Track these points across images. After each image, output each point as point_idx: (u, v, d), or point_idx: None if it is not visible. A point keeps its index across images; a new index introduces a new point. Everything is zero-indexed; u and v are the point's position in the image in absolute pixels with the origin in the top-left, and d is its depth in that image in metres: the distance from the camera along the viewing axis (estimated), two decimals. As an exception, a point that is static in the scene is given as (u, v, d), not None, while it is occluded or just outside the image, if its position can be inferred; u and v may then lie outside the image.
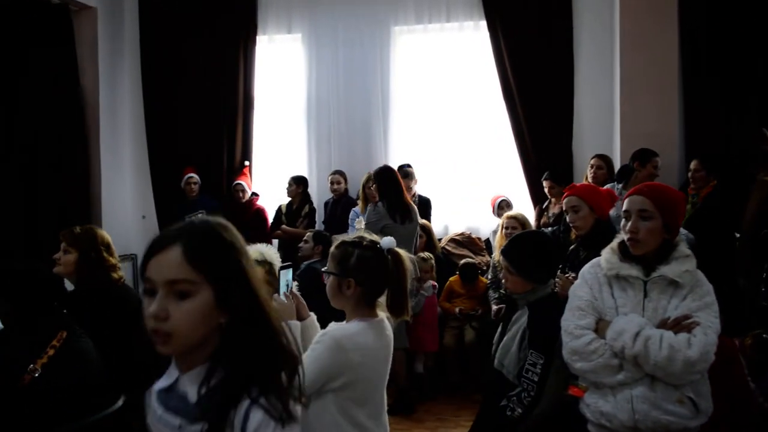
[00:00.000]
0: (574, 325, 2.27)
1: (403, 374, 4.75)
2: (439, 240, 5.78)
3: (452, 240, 5.90)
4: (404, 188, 5.08)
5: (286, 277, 2.24)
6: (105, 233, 3.24)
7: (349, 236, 2.17)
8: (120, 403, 2.48)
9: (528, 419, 2.40)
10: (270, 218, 6.33)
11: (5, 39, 5.15)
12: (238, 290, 1.26)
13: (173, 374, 1.33)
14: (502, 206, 5.74)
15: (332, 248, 2.15)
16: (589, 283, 2.33)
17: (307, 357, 1.97)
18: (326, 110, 6.55)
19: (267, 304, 1.29)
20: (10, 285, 2.49)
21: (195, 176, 6.31)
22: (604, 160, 5.32)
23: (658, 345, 2.09)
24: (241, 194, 6.26)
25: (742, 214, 4.37)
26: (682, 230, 2.94)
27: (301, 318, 2.22)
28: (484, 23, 6.09)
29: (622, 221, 2.31)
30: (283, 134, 6.79)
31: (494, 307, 4.94)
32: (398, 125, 6.48)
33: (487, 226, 6.00)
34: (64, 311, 2.58)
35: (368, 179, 5.29)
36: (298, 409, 1.25)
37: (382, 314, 2.11)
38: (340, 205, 5.99)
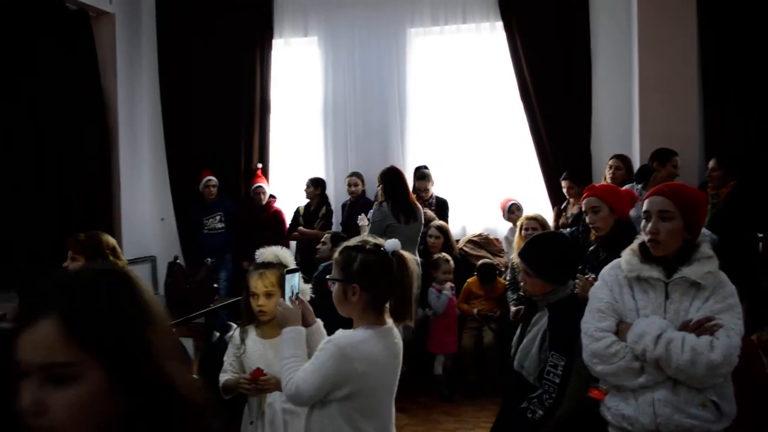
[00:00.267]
0: (594, 327, 2.24)
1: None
2: (457, 241, 5.76)
3: (470, 241, 5.88)
4: (409, 189, 5.11)
5: (291, 282, 2.20)
6: (110, 237, 3.28)
7: (353, 240, 2.10)
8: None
9: (549, 421, 2.37)
10: (288, 220, 6.34)
11: (25, 45, 5.22)
12: (138, 368, 0.98)
13: None
14: (512, 210, 5.71)
15: (335, 254, 2.09)
16: (609, 284, 2.30)
17: (310, 365, 1.94)
18: (343, 112, 6.56)
19: (177, 380, 1.02)
20: (26, 287, 2.53)
21: (213, 179, 6.34)
22: (622, 161, 5.28)
23: (680, 348, 2.05)
24: (260, 196, 6.28)
25: (765, 213, 4.31)
26: (705, 231, 2.91)
27: (306, 324, 2.18)
28: (500, 24, 6.08)
29: (642, 222, 2.28)
30: (301, 137, 6.81)
31: (513, 309, 4.91)
32: (415, 127, 6.48)
33: (504, 227, 5.97)
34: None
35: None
36: None
37: (391, 321, 2.04)
38: (357, 207, 5.99)
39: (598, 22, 5.88)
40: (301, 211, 6.26)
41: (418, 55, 6.48)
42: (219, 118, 6.61)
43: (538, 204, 5.87)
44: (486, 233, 6.01)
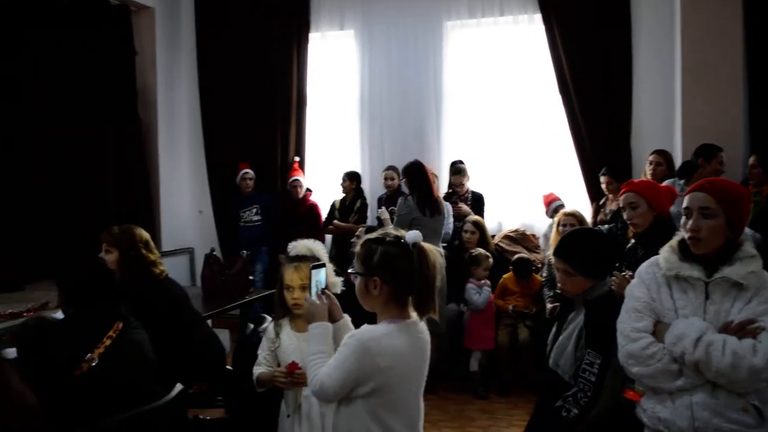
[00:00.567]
0: (630, 327, 2.19)
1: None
2: (493, 236, 5.71)
3: (506, 237, 5.83)
4: (432, 183, 5.13)
5: (318, 277, 2.18)
6: (143, 231, 3.32)
7: (374, 233, 2.06)
8: (174, 393, 2.53)
9: (584, 420, 2.33)
10: (323, 214, 6.37)
11: (67, 39, 5.31)
12: None
13: None
14: (557, 210, 5.61)
15: (357, 247, 2.06)
16: (647, 283, 2.24)
17: (333, 360, 1.92)
18: (379, 106, 6.56)
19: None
20: (71, 277, 2.58)
21: (250, 172, 6.39)
22: (663, 156, 5.16)
23: (721, 351, 1.99)
24: (297, 190, 6.31)
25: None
26: (747, 229, 2.81)
27: (333, 320, 2.15)
28: (538, 16, 5.99)
29: (683, 219, 2.21)
30: (337, 130, 6.82)
31: (549, 306, 4.85)
32: (451, 121, 6.43)
33: (541, 222, 5.90)
34: (121, 304, 2.65)
35: None
36: None
37: (416, 315, 2.00)
38: (393, 201, 5.98)
39: (639, 13, 5.75)
40: (337, 205, 6.28)
41: (455, 48, 6.42)
42: (256, 111, 6.67)
43: (576, 200, 5.78)
44: (522, 229, 5.95)
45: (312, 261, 2.52)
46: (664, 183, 4.15)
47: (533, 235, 5.87)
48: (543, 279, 5.09)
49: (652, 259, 2.31)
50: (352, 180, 6.24)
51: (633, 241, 3.24)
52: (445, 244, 5.32)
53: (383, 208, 5.39)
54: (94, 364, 2.35)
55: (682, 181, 4.67)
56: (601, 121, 5.80)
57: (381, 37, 6.53)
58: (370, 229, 4.85)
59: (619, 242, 3.59)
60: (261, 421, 3.04)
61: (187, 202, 6.74)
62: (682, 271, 2.16)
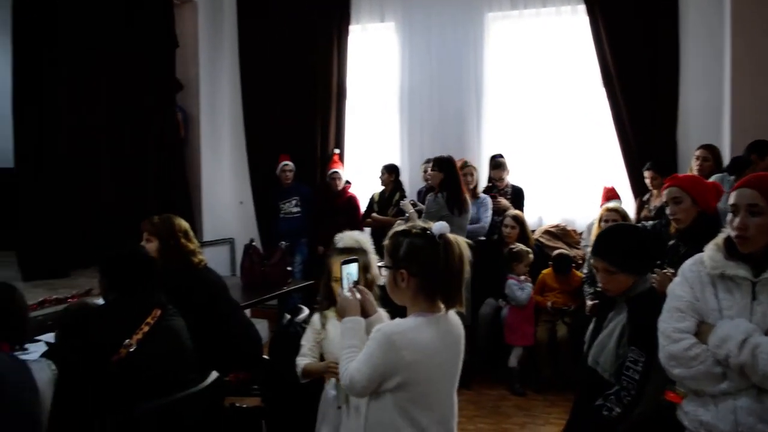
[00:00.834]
0: (672, 327, 2.12)
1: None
2: (533, 231, 5.63)
3: (546, 232, 5.74)
4: (461, 180, 5.11)
5: (349, 271, 2.18)
6: (182, 221, 3.36)
7: (401, 226, 2.04)
8: (210, 380, 2.55)
9: (627, 420, 2.28)
10: (363, 206, 6.38)
11: (111, 32, 5.40)
12: None
13: None
14: None
15: (386, 240, 2.03)
16: (690, 281, 2.17)
17: (362, 354, 1.92)
18: (419, 98, 6.53)
19: None
20: (113, 264, 2.62)
21: (290, 164, 6.43)
22: (711, 152, 5.00)
23: (768, 354, 1.92)
24: (336, 182, 6.33)
25: None
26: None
27: (367, 314, 2.13)
28: (582, 7, 5.88)
29: (729, 216, 2.14)
30: (376, 123, 6.81)
31: (589, 303, 4.75)
32: (492, 114, 6.36)
33: (583, 217, 5.79)
34: (160, 291, 2.69)
35: (463, 166, 5.29)
36: None
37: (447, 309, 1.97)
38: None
39: (687, 3, 5.60)
40: (376, 198, 6.27)
41: (496, 40, 6.35)
42: (296, 103, 6.70)
43: (620, 196, 5.66)
44: (563, 224, 5.85)
45: (360, 253, 2.51)
46: (711, 179, 4.04)
47: (574, 231, 5.78)
48: (583, 275, 5.00)
49: (696, 256, 2.23)
50: (390, 173, 6.23)
51: (675, 238, 3.15)
52: (484, 238, 5.28)
53: (406, 200, 5.36)
54: (132, 349, 2.39)
55: (731, 178, 4.52)
56: (646, 114, 5.68)
57: (421, 29, 6.49)
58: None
59: (662, 239, 3.49)
60: (296, 410, 3.06)
61: (228, 193, 6.82)
62: (727, 269, 2.08)
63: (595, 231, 4.74)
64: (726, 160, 4.98)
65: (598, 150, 6.02)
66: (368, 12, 6.71)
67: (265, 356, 3.51)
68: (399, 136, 6.65)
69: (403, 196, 6.18)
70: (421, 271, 1.92)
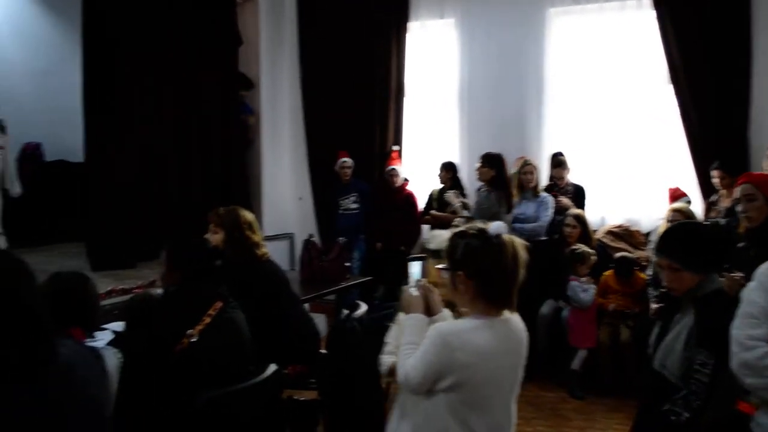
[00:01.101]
0: (745, 334, 2.03)
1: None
2: (594, 231, 5.50)
3: (609, 232, 5.59)
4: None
5: (415, 269, 2.18)
6: (248, 213, 3.42)
7: (459, 227, 2.02)
8: (268, 372, 2.58)
9: (696, 424, 2.19)
10: (420, 204, 6.36)
11: (176, 30, 5.53)
12: None
13: None
14: None
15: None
16: (766, 286, 2.07)
17: (419, 351, 1.90)
18: (478, 96, 6.46)
19: None
20: (180, 255, 2.68)
21: (349, 160, 6.46)
22: (786, 150, 4.79)
23: None
24: (394, 179, 6.33)
25: None
26: None
27: (431, 312, 2.10)
28: (647, 1, 5.72)
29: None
30: (435, 120, 6.78)
31: (653, 306, 4.62)
32: (553, 111, 6.24)
33: (648, 218, 5.63)
34: (222, 283, 2.74)
35: (524, 164, 5.21)
36: None
37: (509, 313, 1.94)
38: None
39: (760, -5, 5.37)
40: (435, 195, 6.24)
41: (559, 35, 6.22)
42: (355, 100, 6.72)
43: (688, 195, 5.48)
44: (627, 224, 5.69)
45: None
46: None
47: (638, 231, 5.61)
48: (647, 278, 4.86)
49: (775, 261, 2.13)
50: (447, 170, 6.19)
51: (744, 240, 3.02)
52: (545, 238, 5.19)
53: (451, 192, 5.30)
54: (193, 340, 2.44)
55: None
56: (715, 112, 5.48)
57: (481, 25, 6.42)
58: (469, 221, 4.80)
59: (732, 237, 3.36)
60: (353, 404, 3.07)
61: (288, 188, 6.91)
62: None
63: (660, 232, 4.61)
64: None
65: (665, 149, 5.83)
66: (427, 9, 6.68)
67: (323, 350, 3.54)
68: (458, 133, 6.59)
69: (462, 194, 6.13)
70: (478, 273, 1.90)
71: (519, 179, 5.19)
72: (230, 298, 2.66)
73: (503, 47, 6.33)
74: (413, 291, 2.13)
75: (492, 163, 5.05)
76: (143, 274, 4.70)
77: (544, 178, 5.85)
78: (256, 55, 6.45)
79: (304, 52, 7.01)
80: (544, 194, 5.45)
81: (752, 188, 2.88)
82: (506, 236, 1.93)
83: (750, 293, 2.11)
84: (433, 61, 6.76)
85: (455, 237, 1.97)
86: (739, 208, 3.00)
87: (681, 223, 3.01)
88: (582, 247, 4.98)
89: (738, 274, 2.54)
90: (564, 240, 5.17)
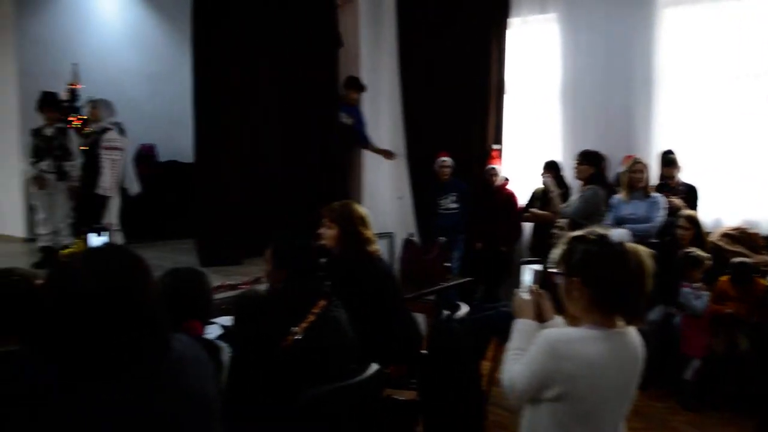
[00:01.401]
0: None
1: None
2: (708, 234, 5.19)
3: (725, 235, 5.25)
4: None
5: (526, 273, 2.11)
6: (361, 208, 3.42)
7: (580, 230, 1.91)
8: (370, 372, 2.59)
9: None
10: (520, 203, 6.26)
11: (278, 33, 5.67)
12: None
13: None
14: None
15: (559, 244, 1.92)
16: None
17: (525, 358, 1.83)
18: (582, 93, 6.27)
19: None
20: (285, 254, 2.73)
21: (448, 160, 6.42)
22: None
23: None
24: (494, 178, 6.24)
25: None
26: None
27: (543, 319, 2.03)
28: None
29: None
30: (536, 118, 6.63)
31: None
32: (662, 108, 5.94)
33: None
34: (326, 282, 2.77)
35: (634, 163, 5.00)
36: None
37: (626, 326, 1.82)
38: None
39: None
40: (538, 194, 6.12)
41: (669, 29, 5.90)
42: (455, 99, 6.68)
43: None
44: (745, 226, 5.33)
45: None
46: None
47: (757, 234, 5.25)
48: (768, 284, 4.54)
49: None
50: (549, 170, 6.04)
51: None
52: (656, 240, 4.95)
53: (549, 177, 5.12)
54: (298, 338, 2.47)
55: None
56: None
57: (586, 19, 6.22)
58: (574, 223, 4.66)
59: None
60: (453, 406, 3.04)
61: (387, 188, 6.93)
62: None
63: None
64: None
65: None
66: (529, 4, 6.57)
67: (424, 351, 3.51)
68: (561, 131, 6.41)
69: (565, 193, 5.96)
70: (596, 282, 1.80)
71: (629, 178, 4.98)
72: (334, 297, 2.68)
73: (609, 41, 6.09)
74: (524, 295, 2.06)
75: (590, 160, 4.87)
76: (249, 270, 4.85)
77: (653, 177, 5.59)
78: (355, 56, 6.51)
79: (403, 52, 7.01)
80: (655, 194, 5.19)
81: None
82: (630, 245, 1.82)
83: None
84: (534, 58, 6.62)
85: (573, 241, 1.88)
86: None
87: None
88: (696, 251, 4.71)
89: None
90: (676, 242, 4.90)
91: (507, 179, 6.34)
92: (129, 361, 1.30)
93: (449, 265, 4.99)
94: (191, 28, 5.22)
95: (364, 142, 6.38)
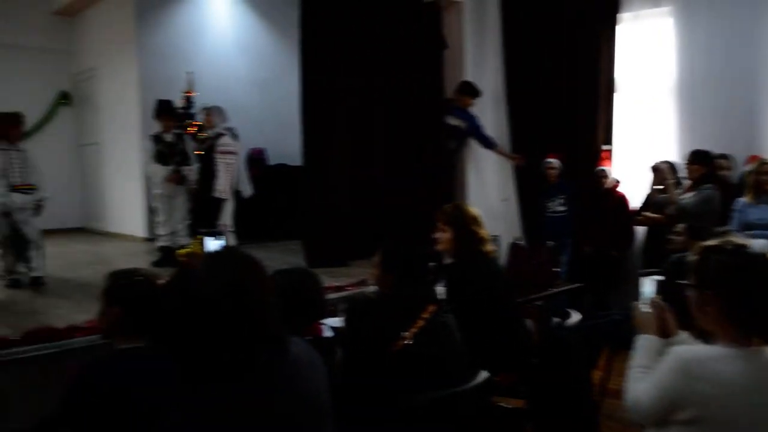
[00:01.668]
0: None
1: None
2: None
3: None
4: None
5: (647, 285, 2.00)
6: (472, 208, 3.38)
7: (714, 240, 1.78)
8: (480, 379, 2.55)
9: None
10: (632, 206, 6.00)
11: (384, 38, 5.72)
12: None
13: None
14: None
15: (691, 255, 1.80)
16: None
17: (652, 375, 1.71)
18: (700, 90, 5.97)
19: None
20: (396, 259, 2.74)
21: (555, 161, 6.27)
22: None
23: None
24: (604, 180, 6.04)
25: None
26: None
27: (667, 335, 1.90)
28: None
29: None
30: (649, 117, 6.35)
31: None
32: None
33: None
34: (435, 286, 2.75)
35: (761, 164, 4.68)
36: None
37: (764, 345, 1.66)
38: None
39: None
40: (653, 198, 5.84)
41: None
42: (562, 99, 6.52)
43: None
44: None
45: None
46: None
47: None
48: None
49: None
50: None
51: None
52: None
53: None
54: (408, 342, 2.47)
55: None
56: None
57: (702, 13, 5.92)
58: (694, 229, 4.40)
59: None
60: (563, 415, 2.95)
61: (493, 190, 6.85)
62: None
63: None
64: None
65: None
66: (641, -2, 6.29)
67: (534, 359, 3.43)
68: (676, 131, 6.11)
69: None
70: (732, 296, 1.67)
71: (755, 180, 4.66)
72: (443, 302, 2.66)
73: (730, 35, 5.76)
74: (645, 309, 1.95)
75: (701, 159, 4.60)
76: (355, 272, 4.92)
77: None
78: (460, 58, 6.48)
79: (508, 52, 6.90)
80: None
81: None
82: None
83: None
84: (647, 55, 6.34)
85: (706, 251, 1.75)
86: None
87: None
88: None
89: None
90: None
91: (618, 181, 6.10)
92: (247, 363, 1.33)
93: (558, 270, 4.85)
94: (299, 35, 5.36)
95: (489, 145, 6.36)
